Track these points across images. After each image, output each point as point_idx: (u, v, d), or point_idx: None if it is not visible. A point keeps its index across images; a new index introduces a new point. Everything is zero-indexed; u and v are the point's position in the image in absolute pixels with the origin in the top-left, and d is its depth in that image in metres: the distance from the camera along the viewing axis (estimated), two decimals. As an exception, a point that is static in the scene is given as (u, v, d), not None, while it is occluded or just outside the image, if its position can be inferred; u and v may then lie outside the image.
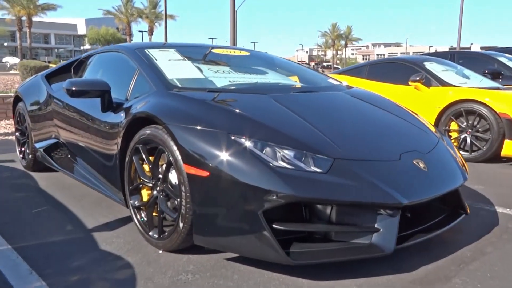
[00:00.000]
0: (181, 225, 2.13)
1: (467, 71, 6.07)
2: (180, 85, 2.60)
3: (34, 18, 44.63)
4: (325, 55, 75.39)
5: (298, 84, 3.34)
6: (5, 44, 66.68)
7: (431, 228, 2.22)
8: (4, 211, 3.01)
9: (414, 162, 2.21)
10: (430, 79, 5.32)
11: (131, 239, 2.50)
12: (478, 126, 4.77)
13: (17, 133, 4.47)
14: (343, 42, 64.24)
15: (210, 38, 64.78)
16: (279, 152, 2.00)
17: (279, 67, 3.66)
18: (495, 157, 4.70)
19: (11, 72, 25.49)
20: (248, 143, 2.00)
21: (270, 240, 1.89)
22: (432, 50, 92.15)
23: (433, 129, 2.83)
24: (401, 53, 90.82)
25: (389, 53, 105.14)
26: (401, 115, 2.79)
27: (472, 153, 4.80)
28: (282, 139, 2.07)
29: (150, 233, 2.36)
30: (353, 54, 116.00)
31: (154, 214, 2.38)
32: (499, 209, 3.09)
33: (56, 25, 70.57)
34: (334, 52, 65.87)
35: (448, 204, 2.43)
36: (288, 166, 1.95)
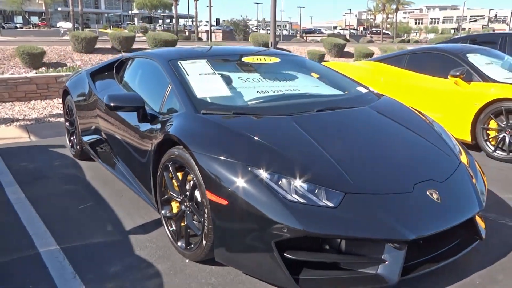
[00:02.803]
0: (204, 242, 2.35)
1: (515, 62, 5.79)
2: (208, 106, 2.77)
3: (85, -16, 45.62)
4: (374, 19, 72.30)
5: (321, 93, 3.39)
6: (59, 9, 68.88)
7: (441, 256, 2.30)
8: (54, 206, 3.37)
9: (428, 193, 2.28)
10: (472, 74, 5.14)
11: (162, 244, 2.77)
12: (518, 126, 4.62)
13: (66, 123, 4.84)
14: (394, 6, 61.01)
15: (256, 3, 63.67)
16: (294, 185, 2.14)
17: (309, 72, 3.73)
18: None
19: (64, 38, 26.49)
20: (264, 175, 2.15)
21: (281, 267, 2.07)
22: (493, 14, 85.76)
23: (456, 147, 2.84)
24: (457, 17, 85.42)
25: (444, 17, 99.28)
26: (425, 134, 2.82)
27: (510, 153, 4.68)
28: (298, 170, 2.21)
29: (179, 243, 2.60)
30: (405, 18, 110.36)
31: (182, 224, 2.62)
32: (523, 226, 3.09)
33: (106, -11, 71.79)
34: (384, 16, 62.80)
35: (463, 230, 2.48)
36: (301, 200, 2.09)
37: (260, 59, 3.56)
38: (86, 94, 4.19)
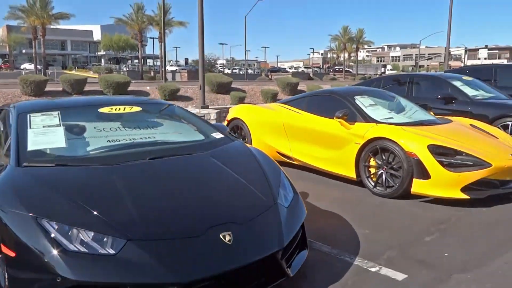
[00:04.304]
0: (5, 293, 2.41)
1: (404, 102, 6.21)
2: (34, 158, 2.88)
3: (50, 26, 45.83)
4: (337, 57, 75.04)
5: (174, 140, 3.56)
6: (24, 51, 68.62)
7: None
8: None
9: (221, 235, 2.42)
10: (356, 114, 5.47)
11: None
12: (393, 163, 4.91)
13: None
14: (355, 46, 63.77)
15: (221, 44, 65.39)
16: (81, 235, 2.24)
17: (173, 120, 3.92)
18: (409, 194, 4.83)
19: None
20: (54, 227, 2.26)
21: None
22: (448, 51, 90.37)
23: (285, 189, 3.01)
24: (416, 55, 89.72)
25: (404, 55, 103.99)
26: (248, 179, 2.97)
27: (387, 189, 4.94)
28: (90, 220, 2.32)
29: (-1, 293, 2.64)
30: (368, 56, 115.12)
31: (3, 275, 2.66)
32: (357, 261, 3.26)
33: (73, 31, 72.21)
34: (346, 55, 65.51)
35: (269, 267, 2.60)
36: (82, 249, 2.19)
37: (120, 109, 3.72)
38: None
